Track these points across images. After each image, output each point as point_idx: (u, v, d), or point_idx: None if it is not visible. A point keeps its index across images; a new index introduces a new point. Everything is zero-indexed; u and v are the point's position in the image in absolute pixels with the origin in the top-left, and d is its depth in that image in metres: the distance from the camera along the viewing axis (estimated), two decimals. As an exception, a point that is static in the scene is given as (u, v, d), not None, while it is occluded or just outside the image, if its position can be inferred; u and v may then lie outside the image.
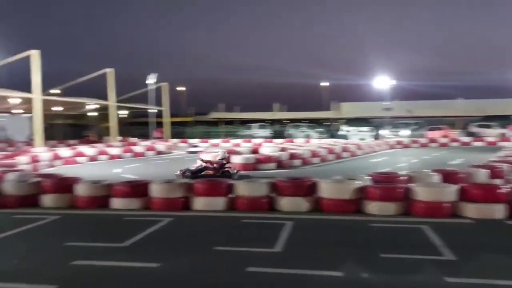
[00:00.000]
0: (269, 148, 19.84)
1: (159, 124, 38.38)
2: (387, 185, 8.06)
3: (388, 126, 36.46)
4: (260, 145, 25.11)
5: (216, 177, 11.53)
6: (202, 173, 12.82)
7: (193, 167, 13.26)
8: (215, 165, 13.13)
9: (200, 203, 8.36)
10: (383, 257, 5.31)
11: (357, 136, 33.67)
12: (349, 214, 7.68)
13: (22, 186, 9.12)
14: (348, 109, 48.28)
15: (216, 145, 30.96)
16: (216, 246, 5.79)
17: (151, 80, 35.88)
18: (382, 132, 35.15)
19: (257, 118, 48.23)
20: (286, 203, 8.13)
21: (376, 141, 28.26)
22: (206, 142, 32.57)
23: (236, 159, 15.98)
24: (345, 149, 21.28)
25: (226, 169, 13.09)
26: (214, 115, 52.89)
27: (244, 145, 26.70)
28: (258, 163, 16.04)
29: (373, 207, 7.73)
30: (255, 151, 19.14)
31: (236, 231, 6.82)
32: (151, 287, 4.47)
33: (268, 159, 16.41)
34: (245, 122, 47.28)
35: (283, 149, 19.50)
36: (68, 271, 4.94)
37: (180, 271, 4.93)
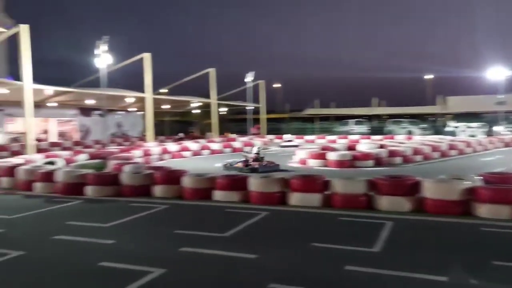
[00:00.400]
0: (366, 145, 19.21)
1: (256, 121, 39.42)
2: (501, 187, 7.32)
3: (503, 122, 32.92)
4: (357, 141, 24.42)
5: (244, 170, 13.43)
6: (234, 165, 14.43)
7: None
8: (249, 159, 14.46)
9: (296, 198, 8.44)
10: (496, 265, 4.86)
11: (466, 132, 31.01)
12: (455, 216, 7.15)
13: (136, 177, 10.06)
14: (456, 103, 44.61)
15: (311, 141, 30.84)
16: (313, 242, 5.81)
17: (249, 78, 36.98)
18: (496, 128, 31.86)
19: (353, 114, 46.95)
20: (385, 202, 7.83)
21: (489, 138, 25.70)
22: (302, 138, 32.62)
23: (331, 156, 15.77)
24: (451, 147, 19.73)
25: (250, 162, 14.25)
26: (309, 111, 52.68)
27: (339, 142, 26.18)
28: (354, 160, 15.63)
29: (484, 210, 7.09)
30: (351, 148, 18.67)
31: (333, 229, 6.76)
32: (250, 277, 4.66)
33: (365, 156, 15.90)
34: (341, 118, 46.32)
35: (382, 146, 18.73)
36: (177, 257, 5.36)
37: (277, 264, 5.05)
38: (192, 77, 31.04)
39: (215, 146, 23.69)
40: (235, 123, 46.25)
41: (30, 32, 16.75)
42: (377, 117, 47.96)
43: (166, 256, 5.40)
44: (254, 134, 36.01)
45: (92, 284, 4.56)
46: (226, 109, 41.64)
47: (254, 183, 8.76)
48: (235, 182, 9.06)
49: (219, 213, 8.02)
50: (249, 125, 38.59)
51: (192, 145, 22.87)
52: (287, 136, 32.53)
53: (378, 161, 15.85)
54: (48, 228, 7.06)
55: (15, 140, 26.94)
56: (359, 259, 5.13)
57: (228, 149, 24.03)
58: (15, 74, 25.83)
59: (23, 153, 20.67)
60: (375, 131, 37.09)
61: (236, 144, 25.12)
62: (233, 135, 33.83)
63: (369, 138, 28.80)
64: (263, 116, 38.87)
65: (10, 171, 11.58)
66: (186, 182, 9.46)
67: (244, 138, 29.05)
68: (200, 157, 21.35)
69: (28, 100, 16.21)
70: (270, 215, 7.68)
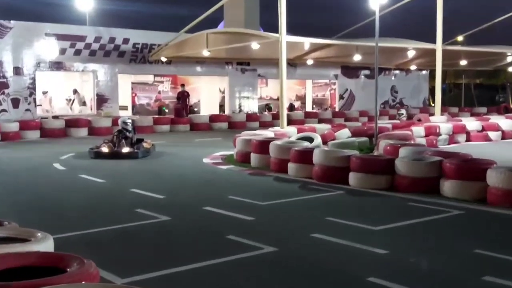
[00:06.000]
0: None
1: None
2: None
3: None
4: None
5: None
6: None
7: None
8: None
9: None
10: None
11: None
12: None
13: (417, 166, 10.13)
14: None
15: None
16: None
17: None
18: None
19: None
20: None
21: None
22: None
23: None
24: None
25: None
26: None
27: None
28: None
29: None
30: None
31: None
32: None
33: None
34: None
35: None
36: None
37: None
38: (506, 17, 28.64)
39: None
40: None
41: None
42: None
43: (465, 284, 5.42)
44: None
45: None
46: None
47: None
48: None
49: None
50: None
51: (504, 122, 21.43)
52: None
53: None
54: (303, 222, 7.96)
55: (266, 107, 31.14)
56: None
57: None
58: (264, 24, 29.53)
59: (274, 124, 23.76)
60: None
61: None
62: None
63: None
64: None
65: (261, 146, 13.44)
66: (493, 178, 9.00)
67: None
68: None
69: (283, 57, 18.23)
70: None
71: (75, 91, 26.83)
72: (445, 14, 22.75)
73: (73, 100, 26.85)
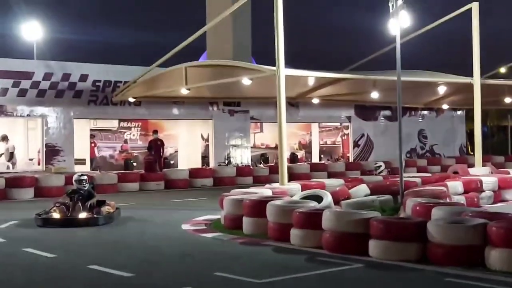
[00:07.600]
0: None
1: None
2: None
3: None
4: None
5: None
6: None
7: None
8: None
9: None
10: None
11: None
12: None
13: (455, 231, 10.06)
14: None
15: None
16: None
17: None
18: None
19: None
20: None
21: None
22: None
23: None
24: None
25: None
26: None
27: None
28: None
29: None
30: None
31: None
32: None
33: None
34: None
35: None
36: None
37: None
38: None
39: None
40: None
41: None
42: None
43: None
44: None
45: None
46: None
47: None
48: None
49: None
50: None
51: None
52: None
53: None
54: (312, 305, 7.88)
55: (262, 158, 31.12)
56: None
57: None
58: (257, 54, 29.85)
59: (271, 180, 23.74)
60: None
61: None
62: None
63: None
64: None
65: (256, 208, 13.44)
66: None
67: None
68: None
69: (282, 96, 18.33)
70: None
71: (3, 138, 26.66)
72: (483, 41, 23.05)
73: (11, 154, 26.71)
